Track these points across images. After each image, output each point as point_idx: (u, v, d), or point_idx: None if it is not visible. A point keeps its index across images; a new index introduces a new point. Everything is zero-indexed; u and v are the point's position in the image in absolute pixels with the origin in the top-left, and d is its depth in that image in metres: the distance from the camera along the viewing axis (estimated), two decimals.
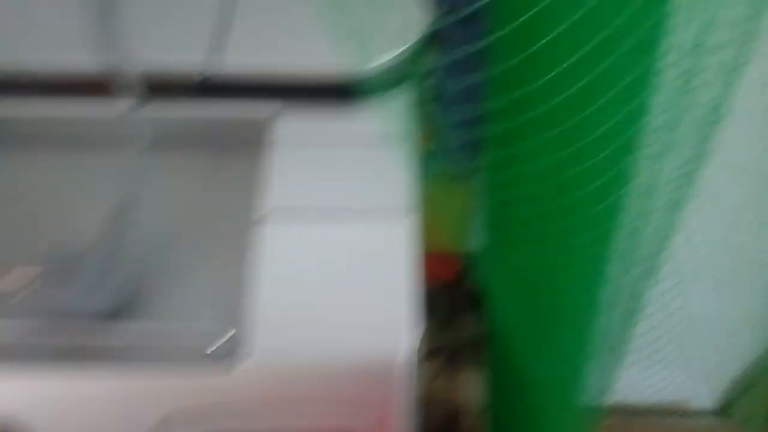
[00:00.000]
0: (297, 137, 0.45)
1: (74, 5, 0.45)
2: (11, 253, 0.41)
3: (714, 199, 0.72)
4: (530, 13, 0.40)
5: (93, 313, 0.37)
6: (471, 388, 0.90)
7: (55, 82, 0.45)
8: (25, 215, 0.44)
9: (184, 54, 0.46)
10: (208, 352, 0.37)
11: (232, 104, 0.45)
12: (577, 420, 0.75)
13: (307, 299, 0.39)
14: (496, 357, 0.81)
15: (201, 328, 0.37)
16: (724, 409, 1.07)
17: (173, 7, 0.49)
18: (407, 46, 0.45)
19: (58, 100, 0.46)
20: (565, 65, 0.43)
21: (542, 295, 0.66)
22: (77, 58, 0.45)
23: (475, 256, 0.72)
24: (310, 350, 0.37)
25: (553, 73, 0.42)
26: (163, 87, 0.45)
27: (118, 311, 0.38)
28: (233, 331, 0.37)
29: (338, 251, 0.40)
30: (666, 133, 0.55)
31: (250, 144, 0.46)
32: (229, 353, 0.37)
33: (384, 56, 0.44)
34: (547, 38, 0.40)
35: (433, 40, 0.48)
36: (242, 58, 0.46)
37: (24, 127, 0.47)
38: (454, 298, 0.86)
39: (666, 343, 0.86)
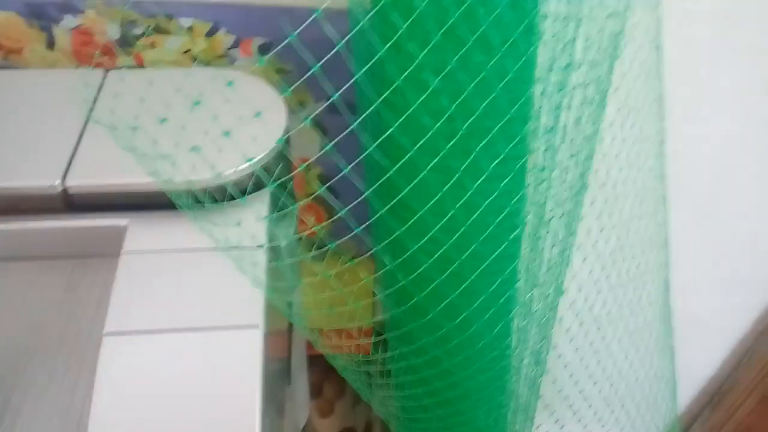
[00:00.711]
0: (146, 249, 0.45)
1: None
2: None
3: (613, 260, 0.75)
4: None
5: None
6: None
7: None
8: None
9: (36, 172, 0.46)
10: None
11: (83, 218, 0.46)
12: None
13: (151, 417, 0.38)
14: None
15: None
16: None
17: (27, 121, 0.50)
18: (262, 152, 0.46)
19: None
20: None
21: (444, 376, 0.66)
22: None
23: (379, 329, 0.73)
24: None
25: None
26: (16, 204, 0.46)
27: None
28: None
29: (183, 368, 0.40)
30: (545, 195, 0.57)
31: (101, 256, 0.46)
32: None
33: (237, 164, 0.45)
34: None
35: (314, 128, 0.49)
36: (92, 175, 0.46)
37: None
38: (368, 376, 0.86)
39: (579, 410, 0.87)
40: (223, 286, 0.43)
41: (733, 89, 0.70)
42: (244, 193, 0.46)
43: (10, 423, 0.39)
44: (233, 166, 0.45)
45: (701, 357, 1.05)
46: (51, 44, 0.62)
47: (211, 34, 0.61)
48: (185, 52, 0.63)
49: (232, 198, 0.45)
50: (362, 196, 0.46)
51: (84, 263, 0.46)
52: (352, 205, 0.41)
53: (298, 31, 0.33)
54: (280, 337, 0.52)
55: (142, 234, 0.45)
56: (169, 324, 0.41)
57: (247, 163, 0.45)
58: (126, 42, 0.61)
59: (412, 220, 0.50)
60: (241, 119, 0.41)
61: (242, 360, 0.40)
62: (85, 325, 0.43)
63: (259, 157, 0.46)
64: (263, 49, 0.63)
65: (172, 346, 0.40)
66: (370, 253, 0.51)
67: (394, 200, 0.48)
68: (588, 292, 0.74)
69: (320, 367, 0.87)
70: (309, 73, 0.34)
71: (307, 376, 0.71)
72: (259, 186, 0.47)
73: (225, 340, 0.41)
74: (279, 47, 0.34)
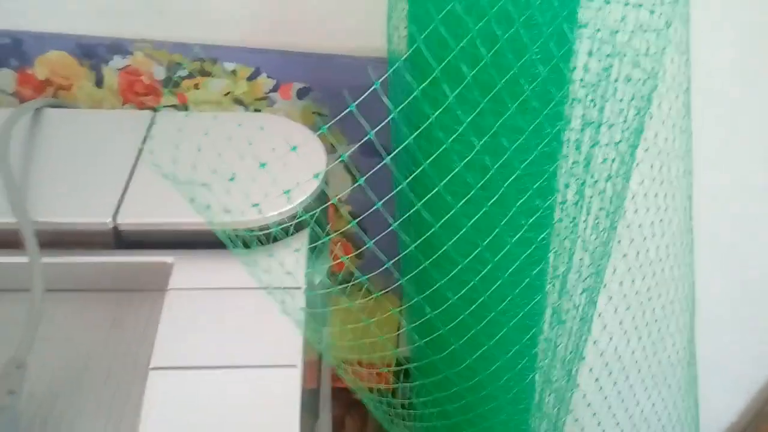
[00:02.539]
0: (191, 286, 0.47)
1: None
2: None
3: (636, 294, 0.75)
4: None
5: None
6: None
7: None
8: None
9: (87, 210, 0.49)
10: None
11: (130, 255, 0.48)
12: None
13: None
14: None
15: None
16: None
17: (79, 159, 0.53)
18: (305, 194, 0.48)
19: None
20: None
21: (467, 411, 0.67)
22: None
23: (404, 366, 0.74)
24: None
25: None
26: (67, 240, 0.48)
27: None
28: None
29: (224, 403, 0.41)
30: (573, 236, 0.58)
31: (147, 291, 0.48)
32: None
33: (273, 210, 0.47)
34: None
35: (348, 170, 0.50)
36: (142, 213, 0.48)
37: None
38: (390, 407, 0.87)
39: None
40: (264, 324, 0.44)
41: (758, 139, 0.71)
42: (286, 233, 0.47)
43: None
44: (276, 208, 0.47)
45: (721, 404, 1.04)
46: (99, 83, 0.65)
47: (252, 78, 0.64)
48: (227, 94, 0.65)
49: (275, 239, 0.47)
50: (390, 228, 0.47)
51: (130, 298, 0.48)
52: (379, 236, 0.42)
53: (380, 79, 0.34)
54: (310, 367, 0.53)
55: (187, 271, 0.47)
56: (212, 361, 0.43)
57: (290, 206, 0.47)
58: (171, 83, 0.64)
59: (438, 255, 0.51)
60: (282, 161, 0.43)
61: (281, 397, 0.41)
62: (130, 359, 0.45)
63: (301, 199, 0.48)
64: (302, 94, 0.65)
65: (215, 382, 0.42)
66: (396, 285, 0.53)
67: (423, 237, 0.49)
68: (612, 332, 0.75)
69: (342, 400, 0.88)
70: (346, 111, 0.36)
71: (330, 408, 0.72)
72: (300, 227, 0.49)
73: (265, 378, 0.42)
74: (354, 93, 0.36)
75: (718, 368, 0.92)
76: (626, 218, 0.66)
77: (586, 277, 0.64)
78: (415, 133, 0.44)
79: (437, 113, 0.42)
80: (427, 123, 0.43)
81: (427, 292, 0.55)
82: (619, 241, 0.68)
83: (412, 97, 0.45)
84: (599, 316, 0.74)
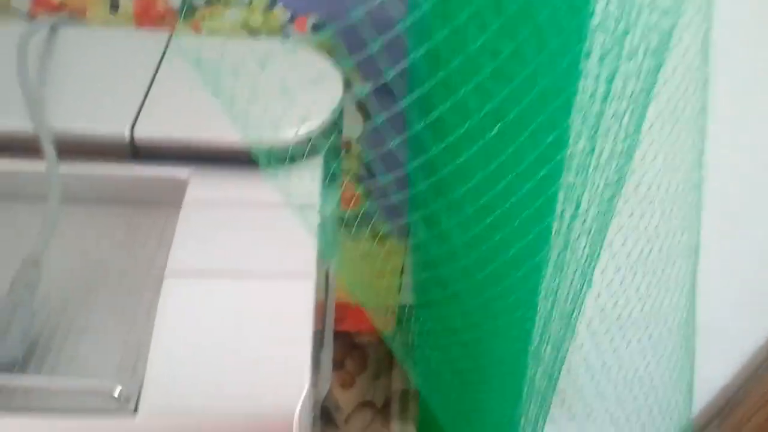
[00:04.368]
0: (207, 200, 0.47)
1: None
2: None
3: (640, 258, 0.76)
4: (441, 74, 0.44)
5: None
6: None
7: None
8: None
9: (105, 119, 0.49)
10: (103, 404, 0.38)
11: (147, 166, 0.48)
12: None
13: (206, 356, 0.40)
14: (426, 411, 0.82)
15: (97, 382, 0.39)
16: None
17: (96, 74, 0.52)
18: (319, 120, 0.48)
19: None
20: (474, 121, 0.46)
21: (467, 354, 0.68)
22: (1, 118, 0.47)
23: (405, 311, 0.75)
24: (203, 405, 0.39)
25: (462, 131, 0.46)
26: (84, 149, 0.48)
27: (17, 363, 0.39)
28: (129, 384, 0.39)
29: (238, 310, 0.42)
30: (581, 185, 0.59)
31: (163, 204, 0.49)
32: (123, 406, 0.38)
33: (292, 130, 0.47)
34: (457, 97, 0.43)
35: (358, 108, 0.51)
36: (159, 126, 0.48)
37: None
38: (388, 351, 0.88)
39: (590, 404, 0.88)
40: (279, 238, 0.45)
41: None
42: (302, 155, 0.48)
43: (70, 357, 0.41)
44: (293, 129, 0.48)
45: (714, 366, 1.05)
46: (114, 7, 0.65)
47: (269, 8, 0.64)
48: (242, 24, 0.65)
49: (292, 160, 0.47)
50: (403, 168, 0.47)
51: (145, 211, 0.49)
52: (388, 180, 0.42)
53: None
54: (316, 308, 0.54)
55: (203, 185, 0.47)
56: (228, 269, 0.43)
57: (307, 127, 0.48)
58: (186, 11, 0.64)
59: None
60: (301, 85, 0.43)
61: (295, 307, 0.42)
62: (145, 267, 0.45)
63: (318, 123, 0.48)
64: (317, 27, 0.65)
65: (229, 290, 0.42)
66: (403, 227, 0.53)
67: (436, 178, 0.49)
68: (614, 289, 0.76)
69: (343, 343, 0.89)
70: (367, 50, 0.36)
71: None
72: (314, 151, 0.49)
73: (279, 289, 0.43)
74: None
75: (713, 331, 0.93)
76: (633, 178, 0.66)
77: (591, 230, 0.65)
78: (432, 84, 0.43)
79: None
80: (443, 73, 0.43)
81: (435, 233, 0.55)
82: (626, 201, 0.69)
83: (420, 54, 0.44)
84: (601, 272, 0.74)
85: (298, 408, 0.39)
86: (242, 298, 0.42)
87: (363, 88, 0.63)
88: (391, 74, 0.42)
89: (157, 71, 0.52)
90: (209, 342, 0.41)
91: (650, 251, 0.74)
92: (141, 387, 0.39)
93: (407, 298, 0.79)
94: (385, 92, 0.46)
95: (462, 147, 0.49)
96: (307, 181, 0.47)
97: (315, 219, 0.46)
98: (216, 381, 0.39)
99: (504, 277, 0.59)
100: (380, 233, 0.65)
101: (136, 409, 0.38)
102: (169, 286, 0.42)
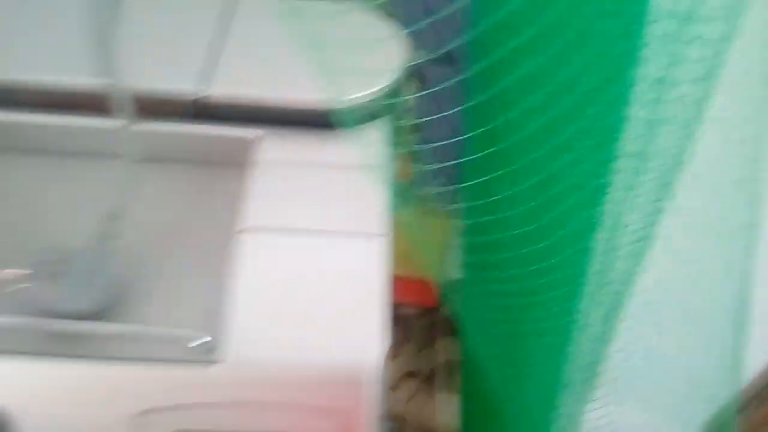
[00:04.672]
0: (278, 160, 0.47)
1: (76, 27, 0.49)
2: (2, 254, 0.44)
3: (685, 236, 0.75)
4: (503, 50, 0.43)
5: (77, 312, 0.39)
6: (445, 411, 0.91)
7: (55, 98, 0.48)
8: (16, 219, 0.46)
9: (177, 78, 0.49)
10: (185, 354, 0.39)
11: (220, 127, 0.48)
12: None
13: (282, 310, 0.41)
14: (470, 383, 0.83)
15: (180, 331, 0.39)
16: None
17: (170, 35, 0.53)
18: (386, 82, 0.48)
19: (57, 113, 0.48)
20: (535, 99, 0.46)
21: (514, 327, 0.68)
22: (77, 76, 0.48)
23: (452, 283, 0.75)
24: (281, 357, 0.40)
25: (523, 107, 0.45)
26: (156, 108, 0.48)
27: (102, 312, 0.40)
28: (210, 336, 0.39)
29: (313, 267, 0.42)
30: (636, 166, 0.58)
31: (235, 164, 0.49)
32: (205, 356, 0.39)
33: (361, 91, 0.47)
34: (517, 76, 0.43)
35: (412, 76, 0.51)
36: (231, 86, 0.49)
37: (22, 135, 0.49)
38: (432, 324, 0.88)
39: (633, 382, 0.88)
40: (351, 198, 0.45)
41: None
42: (370, 117, 0.48)
43: (153, 308, 0.42)
44: (360, 92, 0.48)
45: (753, 350, 1.04)
46: None
47: None
48: None
49: (362, 121, 0.47)
50: (457, 138, 0.47)
51: (215, 170, 0.49)
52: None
53: None
54: None
55: (272, 146, 0.48)
56: (302, 226, 0.44)
57: (376, 89, 0.48)
58: None
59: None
60: (368, 49, 0.43)
61: (370, 264, 0.42)
62: (218, 223, 0.46)
63: (385, 85, 0.49)
64: None
65: (305, 246, 0.43)
66: (452, 197, 0.52)
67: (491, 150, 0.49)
68: (666, 269, 0.75)
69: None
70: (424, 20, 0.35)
71: None
72: (382, 113, 0.49)
73: (354, 245, 0.43)
74: None
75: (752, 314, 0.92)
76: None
77: (644, 209, 0.64)
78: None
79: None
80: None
81: (488, 204, 0.55)
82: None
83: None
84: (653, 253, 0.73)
85: (377, 360, 0.39)
86: (317, 254, 0.43)
87: (424, 53, 0.63)
88: (453, 43, 0.42)
89: (229, 30, 0.52)
90: (287, 296, 0.41)
91: (703, 233, 0.73)
92: (223, 338, 0.40)
93: (456, 269, 0.79)
94: (443, 63, 0.46)
95: (524, 120, 0.48)
96: (374, 142, 0.47)
97: (384, 179, 0.46)
98: (295, 333, 0.40)
99: (554, 251, 0.58)
100: (432, 202, 0.65)
101: (218, 360, 0.39)
102: (245, 241, 0.43)
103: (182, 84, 0.48)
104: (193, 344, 0.40)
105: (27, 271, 0.39)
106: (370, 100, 0.48)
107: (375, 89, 0.48)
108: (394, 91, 0.49)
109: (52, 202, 0.47)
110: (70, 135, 0.49)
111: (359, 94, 0.47)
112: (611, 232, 0.64)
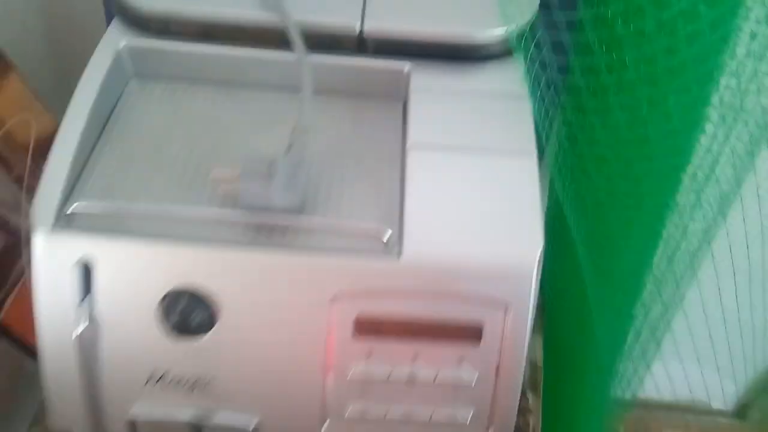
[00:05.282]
0: (430, 89, 0.53)
1: None
2: (213, 158, 0.50)
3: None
4: None
5: (284, 207, 0.45)
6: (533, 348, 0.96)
7: (234, 32, 0.54)
8: (220, 135, 0.53)
9: (334, 14, 0.54)
10: (371, 248, 0.45)
11: (373, 60, 0.54)
12: (605, 406, 0.80)
13: (451, 211, 0.47)
14: (551, 327, 0.88)
15: (368, 225, 0.45)
16: (743, 410, 1.12)
17: None
18: (529, 15, 0.54)
19: (235, 46, 0.54)
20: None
21: (594, 266, 0.72)
22: (252, 11, 0.54)
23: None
24: (452, 252, 0.45)
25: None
26: (317, 42, 0.54)
27: (301, 209, 0.46)
28: (392, 230, 0.45)
29: (475, 177, 0.48)
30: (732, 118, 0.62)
31: (393, 94, 0.55)
32: (389, 251, 0.45)
33: (521, 18, 0.53)
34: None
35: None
36: (384, 21, 0.54)
37: (216, 68, 0.56)
38: None
39: (690, 340, 0.91)
40: (502, 121, 0.51)
41: None
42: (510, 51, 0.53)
43: (340, 208, 0.47)
44: (494, 28, 0.53)
45: None
46: None
47: None
48: None
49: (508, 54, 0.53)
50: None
51: (377, 99, 0.55)
52: None
53: None
54: None
55: (425, 77, 0.53)
56: (463, 144, 0.49)
57: (505, 27, 0.53)
58: None
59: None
60: None
61: (524, 178, 0.48)
62: (385, 142, 0.51)
63: (526, 19, 0.54)
64: None
65: (467, 161, 0.49)
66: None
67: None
68: (738, 235, 0.78)
69: None
70: None
71: None
72: (521, 47, 0.54)
73: (509, 162, 0.49)
74: None
75: None
76: None
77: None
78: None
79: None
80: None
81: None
82: None
83: None
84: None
85: (536, 258, 0.45)
86: (479, 168, 0.49)
87: None
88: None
89: None
90: (455, 202, 0.47)
91: None
92: (403, 235, 0.45)
93: None
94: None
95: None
96: (516, 74, 0.53)
97: (528, 107, 0.51)
98: (465, 233, 0.46)
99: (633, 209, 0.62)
100: None
101: (400, 253, 0.45)
102: (413, 156, 0.49)
103: (341, 18, 0.54)
104: (382, 238, 0.45)
105: (238, 172, 0.45)
106: (516, 34, 0.53)
107: (518, 23, 0.53)
108: (533, 25, 0.55)
109: (247, 123, 0.53)
110: (252, 66, 0.54)
111: (519, 22, 0.53)
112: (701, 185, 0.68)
